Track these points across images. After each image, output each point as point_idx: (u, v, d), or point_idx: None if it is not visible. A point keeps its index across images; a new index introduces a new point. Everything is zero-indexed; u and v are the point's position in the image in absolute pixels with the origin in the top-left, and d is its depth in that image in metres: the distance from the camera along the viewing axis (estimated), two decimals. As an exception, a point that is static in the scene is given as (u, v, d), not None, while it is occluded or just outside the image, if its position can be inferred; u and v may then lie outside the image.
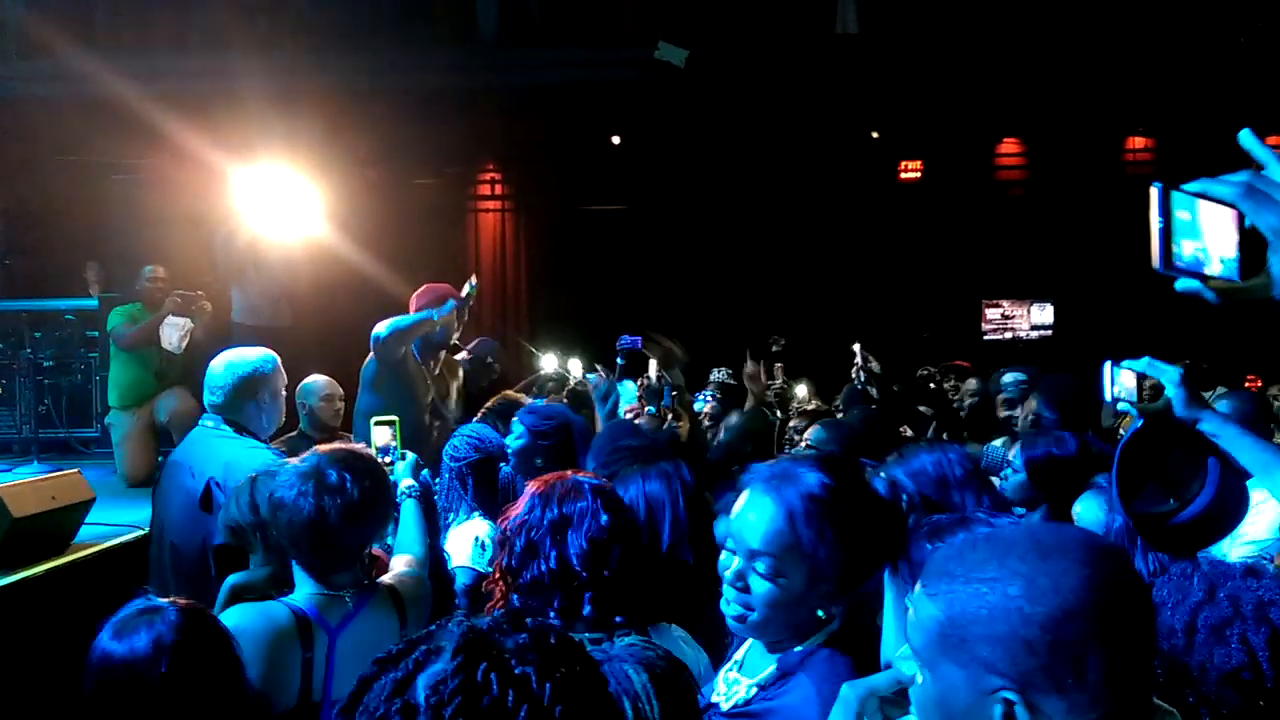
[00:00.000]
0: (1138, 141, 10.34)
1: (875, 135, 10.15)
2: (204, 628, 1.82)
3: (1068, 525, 1.44)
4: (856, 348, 4.96)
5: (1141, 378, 1.81)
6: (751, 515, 1.63)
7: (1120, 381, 1.84)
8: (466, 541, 3.11)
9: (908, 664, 1.21)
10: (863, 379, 5.06)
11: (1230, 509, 2.16)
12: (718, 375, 7.20)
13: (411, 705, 0.88)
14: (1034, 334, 10.90)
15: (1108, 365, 1.87)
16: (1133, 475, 2.26)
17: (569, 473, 2.03)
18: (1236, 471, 2.11)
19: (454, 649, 0.91)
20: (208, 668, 1.78)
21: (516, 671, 0.90)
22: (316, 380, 4.70)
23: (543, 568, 1.86)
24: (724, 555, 1.69)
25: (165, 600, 1.84)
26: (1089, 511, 2.70)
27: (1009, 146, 10.52)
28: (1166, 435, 2.10)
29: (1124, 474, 2.29)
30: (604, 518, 1.90)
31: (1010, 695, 1.04)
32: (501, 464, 3.36)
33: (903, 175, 10.52)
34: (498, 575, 1.95)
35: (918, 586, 1.17)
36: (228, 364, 3.28)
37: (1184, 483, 2.14)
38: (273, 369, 3.37)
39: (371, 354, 4.28)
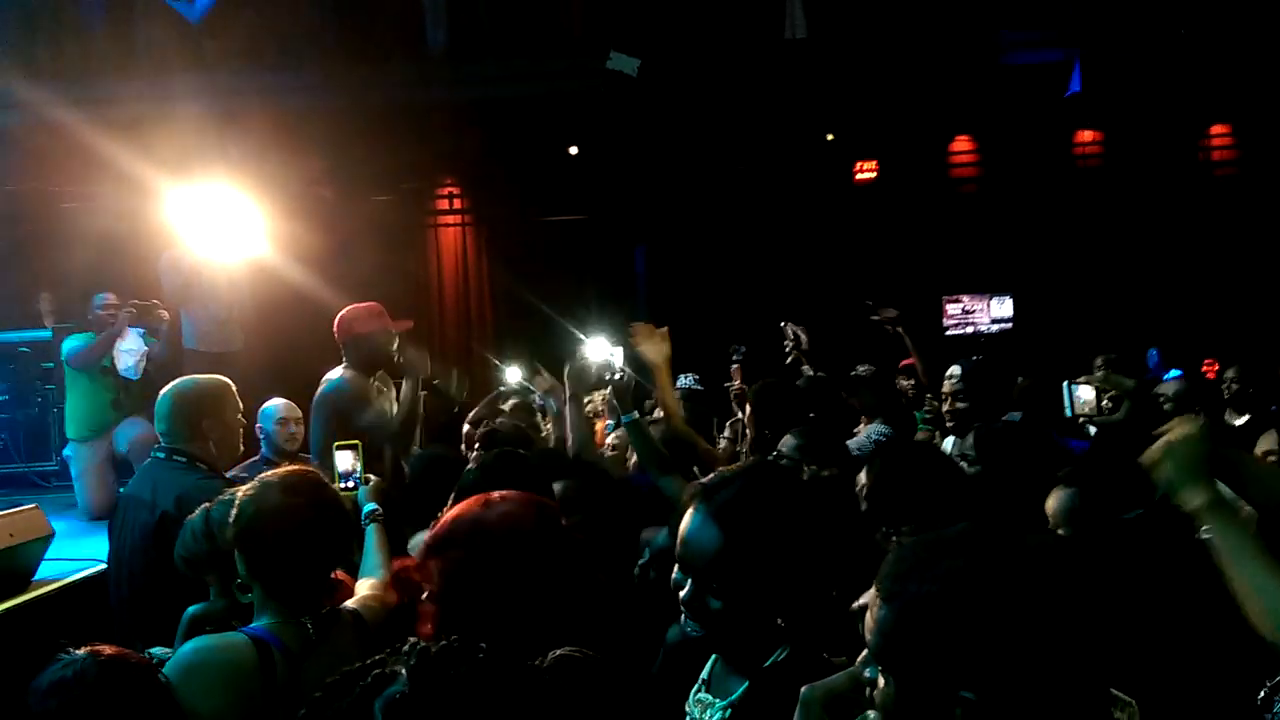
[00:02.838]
0: (1086, 135, 10.50)
1: (830, 137, 10.23)
2: (124, 675, 1.80)
3: (1016, 526, 1.46)
4: (786, 325, 4.85)
5: (1100, 391, 1.90)
6: (696, 535, 1.61)
7: (1079, 397, 1.94)
8: None
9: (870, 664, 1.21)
10: (794, 357, 4.98)
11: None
12: (685, 381, 7.21)
13: None
14: (995, 327, 11.03)
15: (1065, 385, 1.98)
16: (1099, 483, 2.30)
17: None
18: None
19: (410, 672, 0.91)
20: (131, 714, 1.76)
21: (472, 694, 0.90)
22: (275, 404, 4.67)
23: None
24: (676, 573, 1.67)
25: (82, 652, 1.80)
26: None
27: (961, 144, 10.65)
28: (1128, 444, 2.13)
29: (1089, 483, 2.33)
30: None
31: (969, 695, 1.05)
32: None
33: (858, 176, 10.60)
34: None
35: (872, 590, 1.18)
36: (173, 393, 3.24)
37: (1150, 488, 2.18)
38: (219, 396, 3.30)
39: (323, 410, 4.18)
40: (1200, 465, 1.74)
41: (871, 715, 1.22)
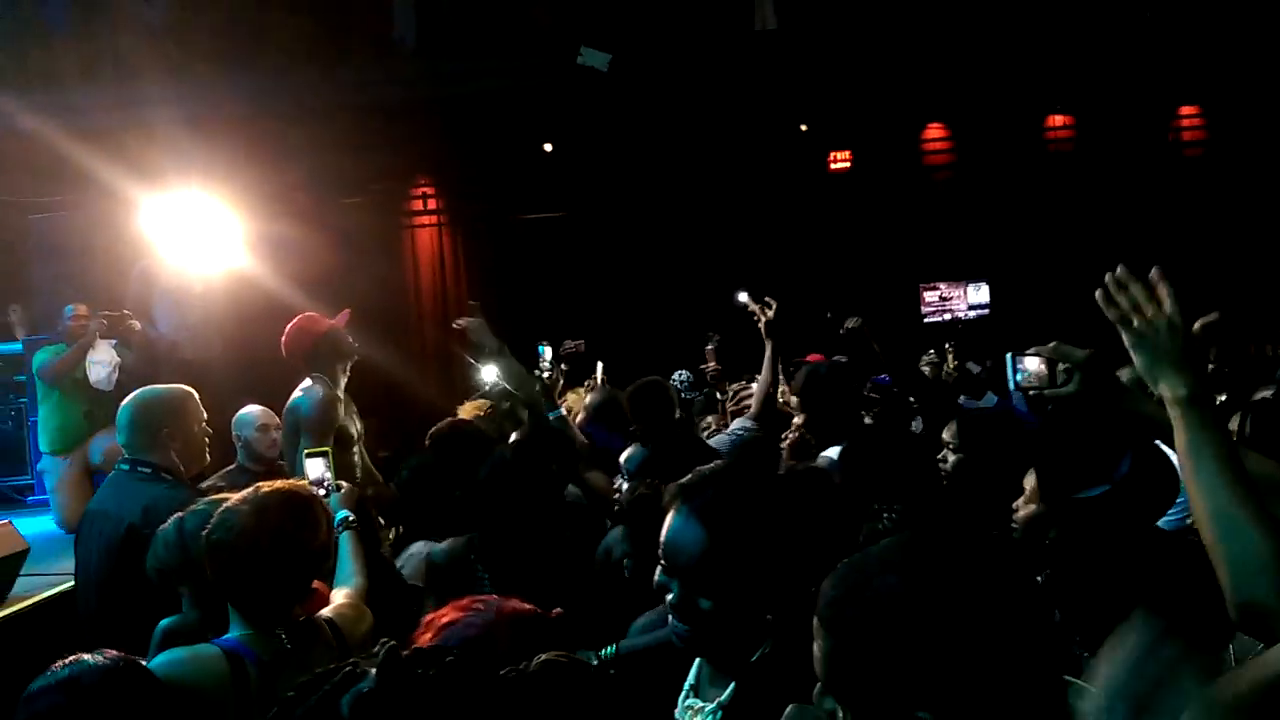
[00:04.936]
0: (1057, 119, 10.56)
1: (804, 128, 10.24)
2: (130, 680, 1.78)
3: (942, 534, 1.44)
4: (742, 297, 4.71)
5: (1053, 362, 1.80)
6: (679, 536, 1.60)
7: (1024, 368, 1.85)
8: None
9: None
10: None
11: (1158, 489, 2.17)
12: (680, 377, 7.24)
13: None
14: (972, 314, 11.08)
15: (1009, 356, 1.87)
16: (1055, 459, 2.29)
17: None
18: (1155, 451, 2.12)
19: (378, 669, 0.92)
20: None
21: (438, 693, 0.91)
22: (251, 411, 4.61)
23: None
24: (659, 574, 1.65)
25: (90, 655, 1.79)
26: None
27: (934, 131, 10.68)
28: (1084, 417, 2.12)
29: (1045, 458, 2.31)
30: None
31: (923, 715, 1.02)
32: None
33: (833, 166, 10.63)
34: None
35: (815, 619, 1.14)
36: (133, 404, 3.20)
37: (1110, 464, 2.16)
38: (180, 404, 3.26)
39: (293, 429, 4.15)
40: (1187, 349, 1.50)
41: None
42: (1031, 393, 1.85)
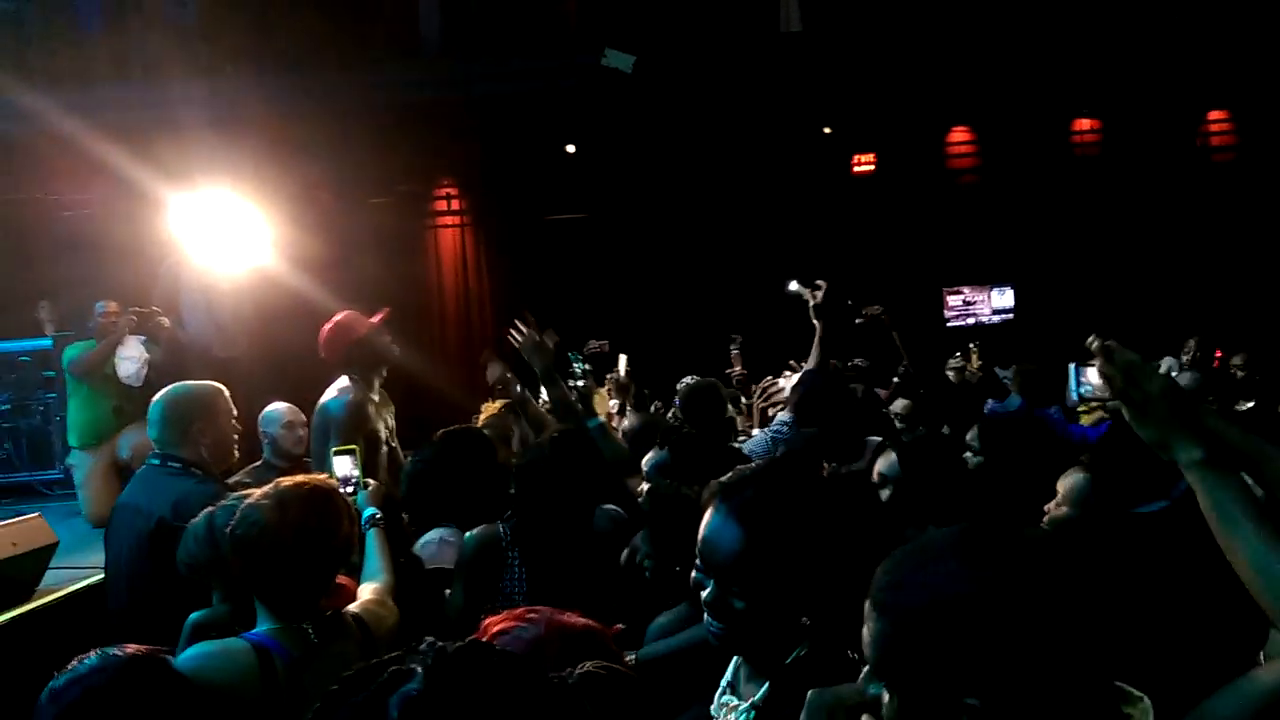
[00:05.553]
0: (1084, 123, 10.48)
1: (827, 131, 10.21)
2: (153, 674, 1.79)
3: (1018, 516, 1.41)
4: (794, 285, 4.66)
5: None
6: (717, 535, 1.59)
7: (1085, 380, 1.82)
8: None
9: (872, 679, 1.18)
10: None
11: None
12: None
13: None
14: (996, 318, 11.02)
15: (1072, 367, 1.85)
16: (1112, 473, 2.27)
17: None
18: None
19: (427, 671, 0.90)
20: (157, 713, 1.75)
21: (492, 696, 0.90)
22: (277, 408, 4.64)
23: None
24: (694, 575, 1.65)
25: (114, 649, 1.80)
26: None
27: (959, 135, 10.63)
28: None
29: (1101, 473, 2.30)
30: None
31: (973, 701, 1.02)
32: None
33: (856, 169, 10.60)
34: None
35: (868, 603, 1.14)
36: (165, 399, 3.23)
37: (1170, 481, 2.13)
38: (210, 400, 3.29)
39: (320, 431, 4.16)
40: (1188, 415, 1.52)
41: None
42: (1094, 405, 1.83)
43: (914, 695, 1.08)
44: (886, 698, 1.11)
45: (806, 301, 4.43)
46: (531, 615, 1.59)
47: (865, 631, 1.13)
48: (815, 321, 4.36)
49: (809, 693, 1.40)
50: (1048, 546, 1.09)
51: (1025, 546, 1.08)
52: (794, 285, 4.54)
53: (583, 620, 1.62)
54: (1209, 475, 1.51)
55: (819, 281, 4.38)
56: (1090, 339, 1.57)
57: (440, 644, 0.95)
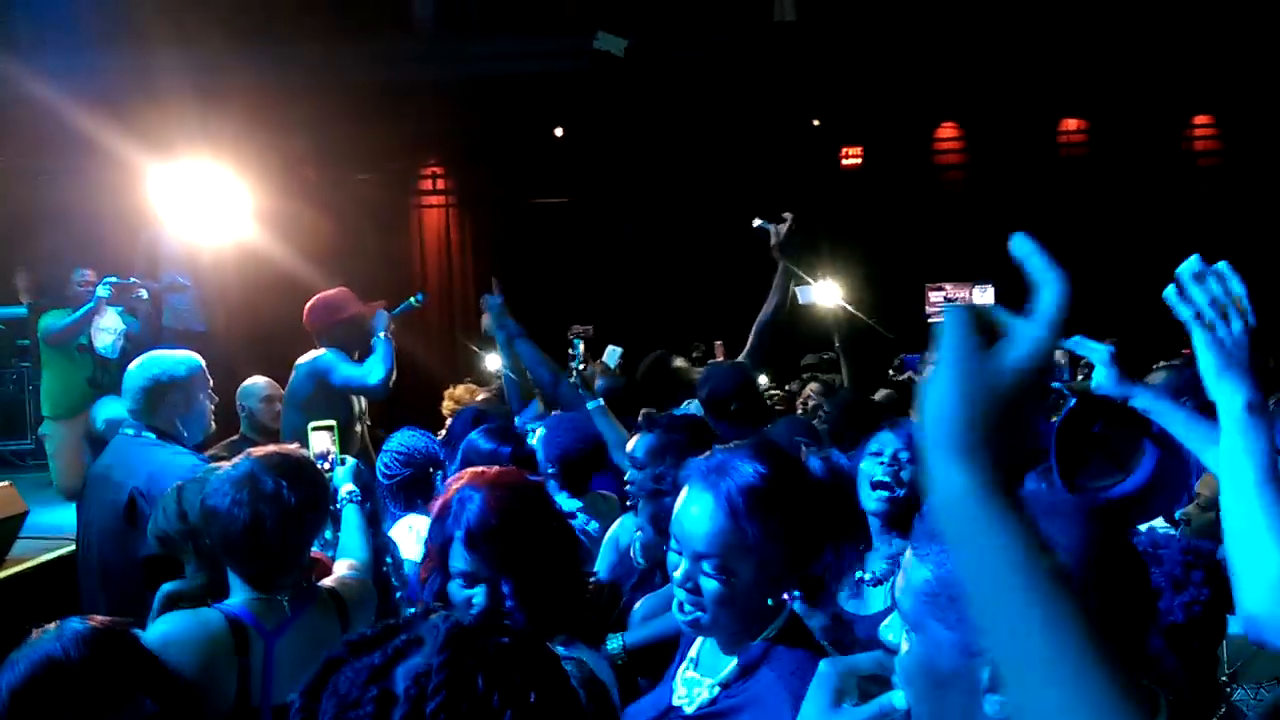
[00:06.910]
0: (1071, 123, 10.53)
1: (816, 123, 10.20)
2: (114, 645, 1.77)
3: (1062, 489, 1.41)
4: (757, 221, 4.64)
5: (1076, 357, 1.79)
6: (693, 513, 1.59)
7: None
8: (410, 535, 3.09)
9: (894, 630, 1.20)
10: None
11: (1168, 486, 2.17)
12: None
13: (389, 694, 0.85)
14: (977, 315, 11.06)
15: None
16: (1073, 452, 2.28)
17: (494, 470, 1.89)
18: (1177, 449, 2.11)
19: (439, 644, 0.88)
20: (118, 684, 1.73)
21: (503, 674, 0.88)
22: (256, 382, 4.61)
23: None
24: (669, 555, 1.65)
25: (76, 620, 1.78)
26: None
27: (947, 131, 10.65)
28: (1104, 412, 2.11)
29: (1063, 451, 2.31)
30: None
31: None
32: (437, 470, 3.28)
33: (844, 162, 10.60)
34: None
35: (909, 551, 1.16)
36: (141, 368, 3.19)
37: (1127, 459, 2.15)
38: (188, 372, 3.25)
39: (310, 379, 4.17)
40: (1254, 357, 1.50)
41: (896, 696, 1.19)
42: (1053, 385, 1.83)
43: (940, 645, 1.10)
44: (907, 645, 1.14)
45: (768, 239, 4.41)
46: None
47: (900, 579, 1.16)
48: (776, 257, 4.35)
49: (821, 662, 1.40)
50: (1103, 519, 1.11)
51: (1081, 516, 1.11)
52: (758, 221, 4.52)
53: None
54: (1249, 420, 1.47)
55: (785, 214, 4.37)
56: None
57: (454, 618, 0.93)
